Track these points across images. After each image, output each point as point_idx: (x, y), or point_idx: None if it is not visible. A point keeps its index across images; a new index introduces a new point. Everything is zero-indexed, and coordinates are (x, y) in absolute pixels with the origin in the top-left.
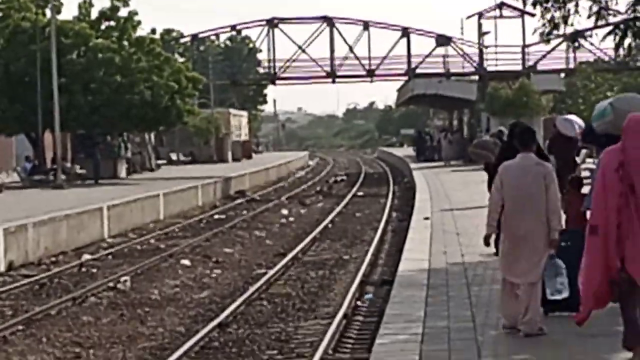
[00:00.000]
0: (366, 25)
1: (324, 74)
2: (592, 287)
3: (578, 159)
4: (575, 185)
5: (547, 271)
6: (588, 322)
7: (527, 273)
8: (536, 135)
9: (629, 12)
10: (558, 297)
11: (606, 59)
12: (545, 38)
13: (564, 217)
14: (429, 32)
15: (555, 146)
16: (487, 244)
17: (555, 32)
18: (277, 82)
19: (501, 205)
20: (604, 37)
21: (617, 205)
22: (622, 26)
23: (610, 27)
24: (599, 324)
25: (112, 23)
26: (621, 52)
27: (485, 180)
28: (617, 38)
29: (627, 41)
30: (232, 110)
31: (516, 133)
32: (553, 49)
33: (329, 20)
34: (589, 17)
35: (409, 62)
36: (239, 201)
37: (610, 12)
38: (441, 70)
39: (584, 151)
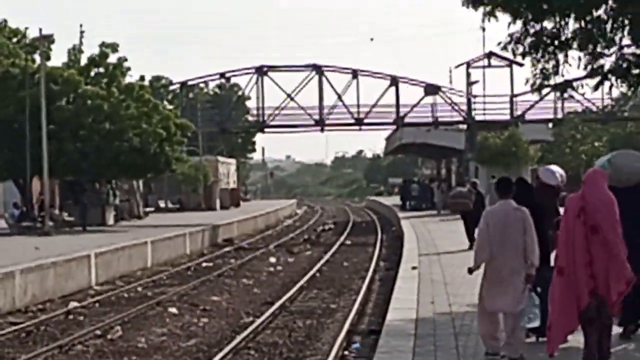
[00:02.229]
0: (355, 74)
1: (312, 122)
2: (564, 321)
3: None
4: (559, 228)
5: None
6: None
7: (511, 305)
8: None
9: (616, 56)
10: (529, 325)
11: (594, 109)
12: (536, 88)
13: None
14: (418, 81)
15: (539, 195)
16: (470, 272)
17: (546, 82)
18: (266, 130)
19: (487, 243)
20: (596, 87)
21: (584, 246)
22: (606, 69)
23: (599, 77)
24: None
25: (101, 70)
26: (606, 98)
27: None
28: (598, 80)
29: (609, 85)
30: (220, 158)
31: (495, 183)
32: (541, 98)
33: (318, 69)
34: (584, 67)
35: (397, 111)
36: (226, 249)
37: (600, 58)
38: (429, 119)
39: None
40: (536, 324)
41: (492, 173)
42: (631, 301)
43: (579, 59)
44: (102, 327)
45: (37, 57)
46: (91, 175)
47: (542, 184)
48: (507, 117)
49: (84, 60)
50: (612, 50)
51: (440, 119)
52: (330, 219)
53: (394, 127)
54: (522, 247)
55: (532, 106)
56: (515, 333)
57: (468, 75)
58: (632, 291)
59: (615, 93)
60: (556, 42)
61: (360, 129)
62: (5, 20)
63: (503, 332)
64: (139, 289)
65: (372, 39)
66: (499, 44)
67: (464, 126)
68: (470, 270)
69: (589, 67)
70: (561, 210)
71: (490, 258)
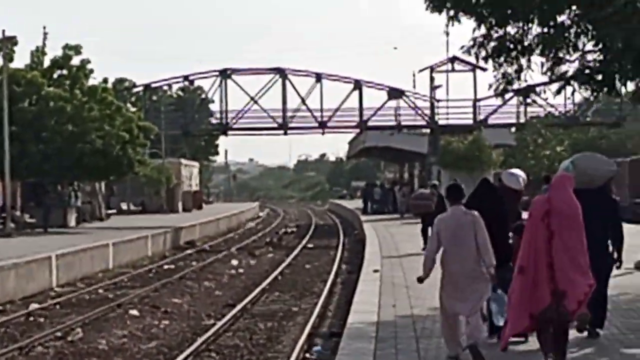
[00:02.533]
0: (319, 78)
1: (275, 125)
2: (520, 317)
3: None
4: (519, 232)
5: (491, 302)
6: None
7: (472, 307)
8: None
9: (579, 61)
10: (500, 324)
11: (556, 113)
12: (499, 93)
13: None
14: (381, 85)
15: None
16: (420, 282)
17: (509, 87)
18: (229, 132)
19: (436, 251)
20: (558, 91)
21: (546, 248)
22: (569, 75)
23: (562, 82)
24: None
25: (65, 72)
26: (568, 103)
27: None
28: (560, 85)
29: (572, 90)
30: (183, 161)
31: (446, 190)
32: (504, 103)
33: (281, 72)
34: (546, 72)
35: (360, 115)
36: (188, 252)
37: (563, 64)
38: (393, 123)
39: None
40: (501, 323)
41: (454, 177)
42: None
43: (542, 64)
44: (62, 329)
45: None
46: (53, 177)
47: (505, 187)
48: (470, 121)
49: (47, 62)
50: (574, 56)
51: (403, 123)
52: (292, 222)
53: (357, 130)
54: (475, 250)
55: (495, 111)
56: (477, 327)
57: (431, 79)
58: (596, 294)
59: (578, 98)
60: (519, 47)
61: (323, 133)
62: None
63: (464, 335)
64: (100, 290)
65: (395, 48)
66: (462, 47)
67: (427, 130)
68: (420, 280)
69: (551, 72)
70: (523, 214)
71: (445, 264)
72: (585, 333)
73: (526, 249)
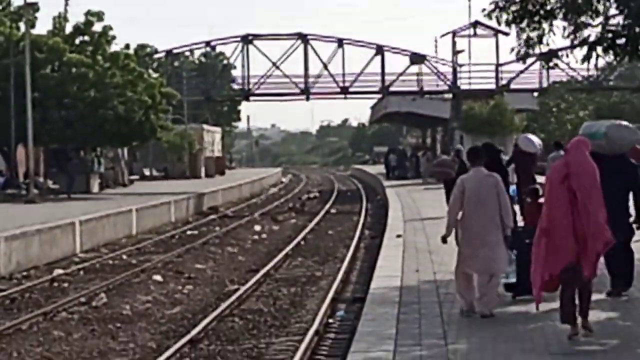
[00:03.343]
0: (340, 43)
1: (297, 90)
2: (544, 276)
3: None
4: (532, 195)
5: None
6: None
7: (486, 266)
8: (485, 153)
9: (602, 26)
10: (505, 281)
11: (579, 78)
12: (521, 57)
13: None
14: (403, 50)
15: (516, 161)
16: (444, 242)
17: (531, 51)
18: (251, 98)
19: (459, 210)
20: (584, 59)
21: (568, 210)
22: (591, 40)
23: (586, 48)
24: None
25: (87, 38)
26: (591, 68)
27: None
28: (586, 52)
29: (595, 56)
30: (205, 126)
31: (466, 152)
32: (526, 68)
33: (303, 37)
34: (568, 36)
35: (382, 80)
36: (211, 217)
37: (585, 28)
38: (415, 89)
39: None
40: (512, 280)
41: (476, 141)
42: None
43: (564, 28)
44: (86, 295)
45: (21, 25)
46: (76, 143)
47: (521, 151)
48: (493, 86)
49: (69, 29)
50: (597, 20)
51: (425, 88)
52: (315, 188)
53: (379, 96)
54: (496, 210)
55: (517, 75)
56: (488, 290)
57: (454, 44)
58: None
59: (601, 63)
60: (541, 11)
61: (345, 98)
62: None
63: (477, 299)
64: (124, 256)
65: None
66: (484, 10)
67: (450, 95)
68: (444, 239)
69: (574, 36)
70: (538, 177)
71: (466, 222)
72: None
73: (548, 212)
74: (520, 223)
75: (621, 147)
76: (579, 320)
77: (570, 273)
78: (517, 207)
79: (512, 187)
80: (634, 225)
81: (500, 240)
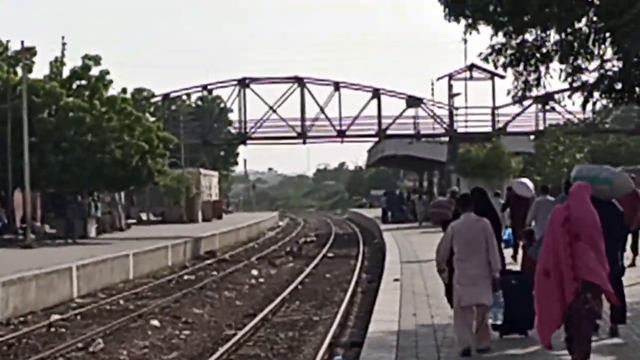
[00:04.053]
0: (337, 86)
1: (294, 134)
2: (552, 316)
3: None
4: (528, 236)
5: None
6: None
7: (480, 297)
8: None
9: (598, 70)
10: (493, 322)
11: (575, 121)
12: (518, 100)
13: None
14: (400, 93)
15: (511, 206)
16: (440, 273)
17: (527, 94)
18: (248, 142)
19: (448, 254)
20: (584, 104)
21: (568, 251)
22: (589, 85)
23: (585, 93)
24: None
25: (84, 82)
26: (589, 112)
27: None
28: (584, 98)
29: (593, 100)
30: (202, 170)
31: (457, 199)
32: (523, 110)
33: (300, 81)
34: (565, 79)
35: (379, 123)
36: (209, 261)
37: (582, 72)
38: (411, 132)
39: None
40: (499, 322)
41: (473, 184)
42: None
43: (561, 71)
44: (84, 340)
45: (19, 70)
46: (73, 187)
47: (515, 195)
48: (489, 129)
49: (66, 73)
50: (593, 64)
51: (422, 131)
52: (312, 231)
53: (376, 139)
54: (484, 253)
55: (513, 118)
56: (484, 326)
57: (450, 87)
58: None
59: (597, 105)
60: (538, 55)
61: (342, 141)
62: None
63: (475, 337)
64: (121, 301)
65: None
66: (480, 54)
67: (446, 138)
68: (440, 271)
69: (571, 79)
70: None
71: (459, 265)
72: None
73: (548, 253)
74: (510, 267)
75: (621, 193)
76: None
77: (576, 307)
78: (510, 250)
79: (507, 231)
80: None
81: (488, 279)
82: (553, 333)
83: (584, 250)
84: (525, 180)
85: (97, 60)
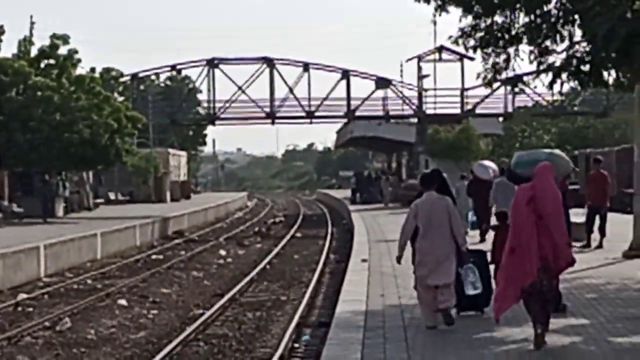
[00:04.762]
0: (306, 67)
1: (263, 114)
2: (512, 291)
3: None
4: (502, 219)
5: (463, 275)
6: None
7: (443, 277)
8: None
9: (567, 52)
10: (473, 292)
11: (544, 103)
12: (487, 82)
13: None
14: (369, 75)
15: (472, 188)
16: (399, 262)
17: (497, 76)
18: (217, 122)
19: (411, 231)
20: (550, 85)
21: (533, 230)
22: (556, 67)
23: (552, 74)
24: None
25: (52, 61)
26: (556, 94)
27: None
28: (552, 78)
29: (560, 82)
30: (171, 150)
31: (419, 178)
32: (492, 92)
33: (269, 61)
34: (533, 61)
35: (348, 104)
36: (177, 241)
37: (550, 54)
38: (380, 113)
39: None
40: (479, 290)
41: (441, 166)
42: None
43: (530, 53)
44: (51, 319)
45: None
46: (41, 166)
47: (476, 178)
48: (458, 110)
49: (34, 52)
50: (562, 46)
51: (391, 113)
52: (280, 212)
53: (345, 120)
54: (448, 231)
55: (482, 100)
56: (449, 301)
57: (419, 69)
58: None
59: (565, 88)
60: (507, 37)
61: (311, 122)
62: None
63: (438, 304)
64: (89, 280)
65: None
66: (450, 37)
67: (415, 120)
68: (398, 259)
69: (539, 62)
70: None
71: (420, 243)
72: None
73: (515, 231)
74: (472, 246)
75: (563, 173)
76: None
77: (537, 287)
78: (476, 232)
79: (471, 213)
80: None
81: (451, 257)
82: (508, 308)
83: (547, 229)
84: (487, 162)
85: (65, 39)
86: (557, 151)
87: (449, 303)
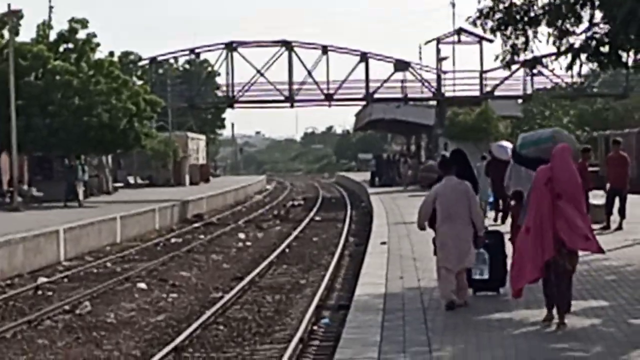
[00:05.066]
0: (325, 50)
1: (282, 98)
2: (527, 270)
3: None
4: (518, 198)
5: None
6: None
7: (463, 261)
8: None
9: (586, 33)
10: (479, 277)
11: (563, 85)
12: (506, 64)
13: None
14: (388, 57)
15: (491, 169)
16: (423, 229)
17: (515, 58)
18: (236, 105)
19: (430, 213)
20: (569, 67)
21: (551, 209)
22: (576, 48)
23: (570, 56)
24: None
25: (71, 45)
26: (575, 75)
27: None
28: (570, 60)
29: (579, 63)
30: (190, 134)
31: (438, 163)
32: (511, 74)
33: (287, 44)
34: (552, 43)
35: (367, 87)
36: (196, 225)
37: (569, 35)
38: (399, 95)
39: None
40: (485, 276)
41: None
42: None
43: (549, 34)
44: (71, 303)
45: (5, 33)
46: (60, 150)
47: (495, 158)
48: (477, 93)
49: (53, 36)
50: (581, 27)
51: (409, 95)
52: (299, 195)
53: (363, 103)
54: (467, 216)
55: (501, 82)
56: (463, 284)
57: (438, 51)
58: None
59: (585, 70)
60: (525, 18)
61: (330, 105)
62: None
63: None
64: (108, 264)
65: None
66: (468, 18)
67: (434, 102)
68: (421, 227)
69: (559, 43)
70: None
71: (441, 228)
72: None
73: (532, 212)
74: (491, 228)
75: None
76: (555, 314)
77: (554, 265)
78: (492, 213)
79: (489, 193)
80: None
81: (470, 240)
82: (524, 285)
83: (565, 209)
84: (505, 142)
85: (84, 23)
86: (559, 129)
87: (463, 298)
